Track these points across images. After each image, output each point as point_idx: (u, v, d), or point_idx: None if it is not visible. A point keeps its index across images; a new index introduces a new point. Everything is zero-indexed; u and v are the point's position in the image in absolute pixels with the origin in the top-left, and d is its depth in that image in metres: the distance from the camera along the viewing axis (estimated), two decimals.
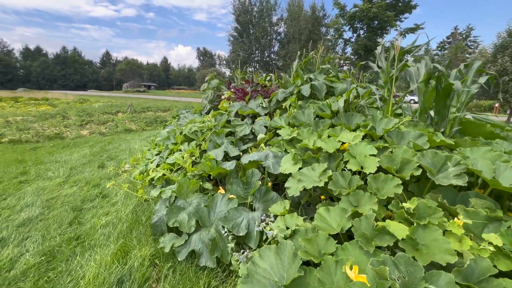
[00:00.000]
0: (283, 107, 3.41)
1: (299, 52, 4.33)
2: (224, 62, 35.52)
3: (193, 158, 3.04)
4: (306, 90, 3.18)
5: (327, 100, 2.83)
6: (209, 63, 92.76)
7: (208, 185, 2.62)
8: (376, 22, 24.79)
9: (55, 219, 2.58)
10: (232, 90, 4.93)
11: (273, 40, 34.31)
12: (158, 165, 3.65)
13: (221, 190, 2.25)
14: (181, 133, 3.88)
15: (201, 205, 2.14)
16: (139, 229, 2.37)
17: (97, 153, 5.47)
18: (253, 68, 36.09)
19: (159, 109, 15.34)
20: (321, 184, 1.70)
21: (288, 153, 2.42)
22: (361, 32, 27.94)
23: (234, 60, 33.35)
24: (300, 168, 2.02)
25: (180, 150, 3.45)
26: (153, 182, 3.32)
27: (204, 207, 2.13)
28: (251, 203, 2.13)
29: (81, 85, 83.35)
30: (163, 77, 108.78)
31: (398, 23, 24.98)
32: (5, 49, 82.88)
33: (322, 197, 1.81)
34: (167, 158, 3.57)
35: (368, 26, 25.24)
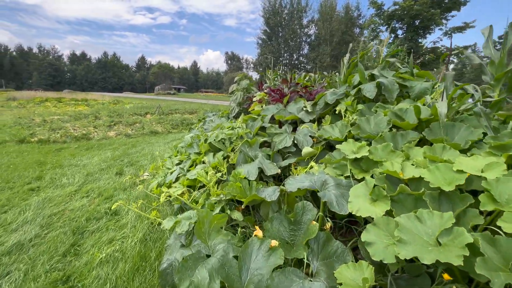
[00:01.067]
0: (336, 111, 2.64)
1: (351, 45, 3.52)
2: (252, 65, 35.35)
3: (219, 174, 2.39)
4: (370, 90, 2.37)
5: (409, 104, 2.01)
6: (237, 67, 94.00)
7: (237, 215, 1.94)
8: (418, 21, 22.67)
9: (49, 246, 2.07)
10: (265, 91, 4.25)
11: (303, 43, 33.35)
12: (177, 179, 3.08)
13: (258, 232, 1.54)
14: (205, 140, 3.28)
15: (229, 254, 1.45)
16: (144, 273, 1.75)
17: (118, 157, 5.11)
18: (281, 71, 35.34)
19: (186, 111, 15.25)
20: (448, 257, 0.91)
21: (357, 180, 1.65)
22: (400, 32, 25.88)
23: (261, 63, 32.92)
24: (387, 212, 1.26)
25: (204, 163, 2.83)
26: (171, 199, 2.73)
27: (232, 258, 1.44)
28: (303, 259, 1.38)
29: (118, 88, 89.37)
30: (192, 80, 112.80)
31: (444, 21, 22.57)
32: (56, 55, 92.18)
33: (445, 276, 1.01)
34: (188, 171, 2.97)
35: (408, 25, 23.19)
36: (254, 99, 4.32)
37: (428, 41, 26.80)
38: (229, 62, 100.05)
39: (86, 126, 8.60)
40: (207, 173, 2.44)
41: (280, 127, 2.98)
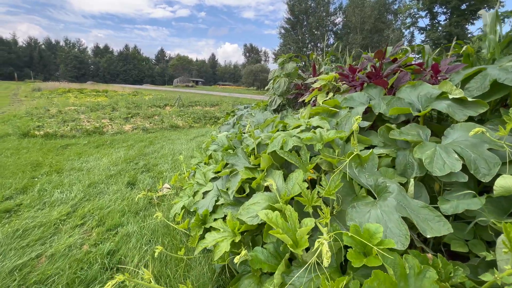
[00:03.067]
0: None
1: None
2: (273, 56, 33.52)
3: (311, 224, 1.17)
4: None
5: None
6: (255, 59, 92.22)
7: None
8: (467, 3, 19.88)
9: None
10: (336, 72, 2.95)
11: (329, 32, 31.00)
12: (216, 207, 1.92)
13: None
14: (258, 145, 2.09)
15: None
16: None
17: (133, 159, 4.08)
18: (303, 63, 33.36)
19: (207, 104, 14.25)
20: None
21: None
22: (442, 18, 23.09)
23: (284, 53, 30.96)
24: None
25: (268, 190, 1.64)
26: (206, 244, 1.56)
27: None
28: None
29: (138, 80, 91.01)
30: (210, 73, 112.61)
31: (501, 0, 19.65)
32: (81, 47, 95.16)
33: None
34: (236, 199, 1.80)
35: (454, 9, 20.43)
36: (315, 85, 3.04)
37: (476, 28, 23.76)
38: (248, 54, 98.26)
39: (101, 118, 7.75)
40: (278, 218, 1.23)
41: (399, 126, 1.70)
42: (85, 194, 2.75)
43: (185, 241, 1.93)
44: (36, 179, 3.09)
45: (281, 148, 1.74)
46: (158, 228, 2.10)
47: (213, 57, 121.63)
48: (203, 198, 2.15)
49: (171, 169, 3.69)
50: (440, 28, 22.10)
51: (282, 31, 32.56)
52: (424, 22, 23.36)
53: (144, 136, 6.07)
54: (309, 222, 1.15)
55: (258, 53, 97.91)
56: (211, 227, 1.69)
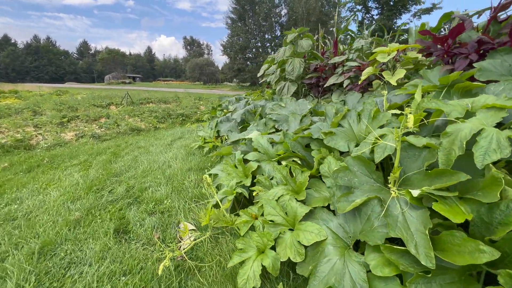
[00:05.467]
0: None
1: None
2: (221, 48, 31.89)
3: None
4: None
5: None
6: (198, 53, 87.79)
7: None
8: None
9: None
10: (419, 43, 2.22)
11: (274, 23, 30.95)
12: None
13: None
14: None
15: None
16: None
17: (100, 185, 2.66)
18: (252, 55, 32.78)
19: (160, 101, 12.30)
20: None
21: None
22: (375, 12, 25.44)
23: (234, 45, 29.73)
24: None
25: None
26: None
27: None
28: None
29: (57, 78, 76.24)
30: (147, 68, 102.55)
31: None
32: None
33: None
34: None
35: (385, 4, 22.63)
36: (381, 59, 2.28)
37: (400, 22, 27.00)
38: (189, 47, 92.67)
39: (21, 126, 5.49)
40: None
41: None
42: (30, 280, 1.40)
43: None
44: None
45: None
46: None
47: (149, 50, 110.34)
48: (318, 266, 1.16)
49: (172, 192, 2.47)
50: (374, 21, 24.27)
51: (229, 21, 31.14)
52: (360, 16, 25.35)
53: (100, 146, 4.40)
54: None
55: (200, 46, 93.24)
56: None
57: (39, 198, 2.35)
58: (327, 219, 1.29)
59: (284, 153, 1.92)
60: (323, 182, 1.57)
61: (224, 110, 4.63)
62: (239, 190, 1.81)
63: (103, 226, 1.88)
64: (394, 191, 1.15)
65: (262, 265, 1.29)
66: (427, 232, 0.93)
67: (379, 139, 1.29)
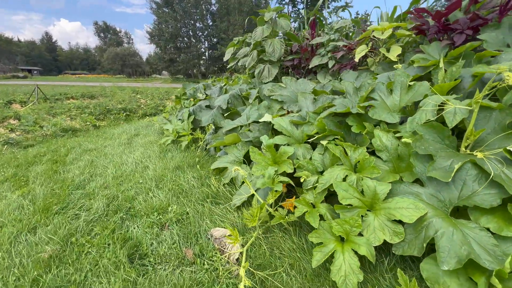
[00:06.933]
0: None
1: None
2: (148, 36, 28.50)
3: None
4: None
5: None
6: (115, 41, 76.67)
7: None
8: None
9: None
10: (414, 19, 2.33)
11: (204, 11, 29.53)
12: None
13: None
14: None
15: None
16: None
17: (63, 203, 1.96)
18: (184, 44, 30.58)
19: (84, 95, 10.24)
20: None
21: None
22: (301, 6, 27.29)
23: (163, 33, 26.90)
24: None
25: None
26: None
27: None
28: None
29: None
30: (48, 59, 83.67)
31: None
32: None
33: None
34: None
35: None
36: (380, 35, 2.36)
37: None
38: (102, 35, 79.67)
39: None
40: None
41: None
42: None
43: None
44: None
45: None
46: None
47: (48, 37, 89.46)
48: None
49: (173, 196, 2.01)
50: (301, 15, 26.10)
51: (154, 5, 28.00)
52: (288, 8, 26.78)
53: (25, 154, 3.26)
54: None
55: (117, 33, 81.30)
56: None
57: None
58: (415, 192, 1.22)
59: (316, 133, 1.77)
60: (378, 157, 1.50)
61: (192, 99, 4.11)
62: (282, 178, 1.57)
63: (105, 256, 1.35)
64: (479, 152, 1.16)
65: (356, 255, 1.14)
66: None
67: (449, 103, 1.28)
